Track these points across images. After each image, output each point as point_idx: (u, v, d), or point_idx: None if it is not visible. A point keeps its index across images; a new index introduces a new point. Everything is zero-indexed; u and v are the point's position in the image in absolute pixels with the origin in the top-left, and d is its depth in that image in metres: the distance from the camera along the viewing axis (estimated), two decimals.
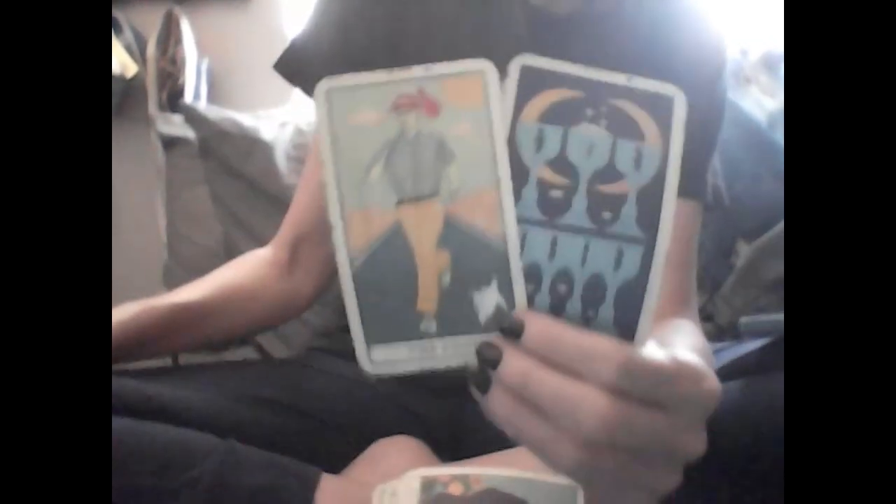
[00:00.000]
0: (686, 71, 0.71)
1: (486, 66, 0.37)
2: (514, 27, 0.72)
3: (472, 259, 0.37)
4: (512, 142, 0.37)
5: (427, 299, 0.37)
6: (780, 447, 0.40)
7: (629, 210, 0.37)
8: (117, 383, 0.55)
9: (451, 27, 0.73)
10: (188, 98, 1.51)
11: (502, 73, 0.37)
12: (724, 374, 0.63)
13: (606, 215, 0.37)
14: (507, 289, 0.37)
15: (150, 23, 1.57)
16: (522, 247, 0.37)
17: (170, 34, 1.56)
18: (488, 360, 0.36)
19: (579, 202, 0.37)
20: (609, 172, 0.37)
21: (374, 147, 0.37)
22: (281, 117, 1.40)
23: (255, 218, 1.32)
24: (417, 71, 0.37)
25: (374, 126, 0.37)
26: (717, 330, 1.16)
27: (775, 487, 0.48)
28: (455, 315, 0.37)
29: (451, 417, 0.72)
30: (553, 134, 0.37)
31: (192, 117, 1.36)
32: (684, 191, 0.72)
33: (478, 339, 0.37)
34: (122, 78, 1.55)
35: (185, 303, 0.69)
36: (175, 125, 1.43)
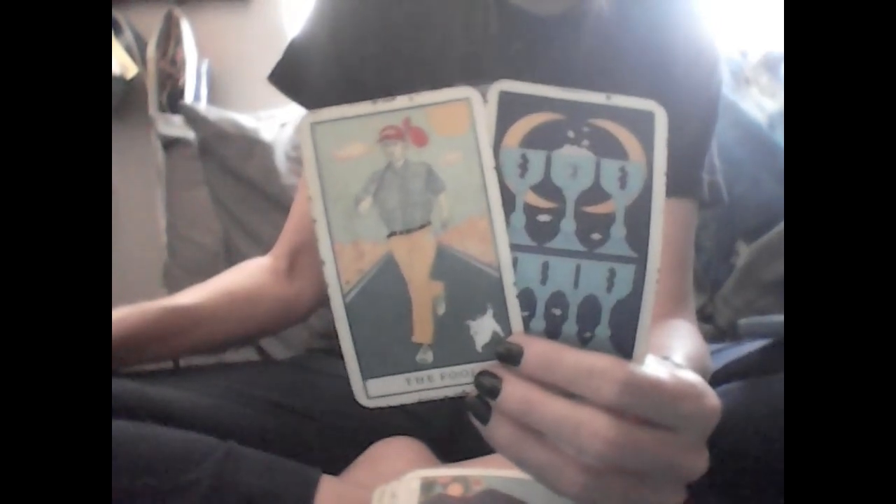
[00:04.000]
0: (680, 69, 0.71)
1: (471, 94, 0.36)
2: (507, 32, 0.72)
3: (466, 288, 0.37)
4: (496, 168, 0.36)
5: (422, 330, 0.37)
6: (780, 449, 0.40)
7: (618, 229, 0.37)
8: (117, 385, 0.55)
9: (441, 30, 0.72)
10: (188, 99, 1.51)
11: (493, 80, 0.37)
12: (724, 375, 0.64)
13: (595, 236, 0.37)
14: (502, 316, 0.37)
15: (150, 24, 1.57)
16: (514, 273, 0.37)
17: (170, 35, 1.56)
18: (487, 389, 0.36)
19: (567, 225, 0.37)
20: (595, 193, 0.37)
21: (362, 180, 0.37)
22: (281, 118, 1.40)
23: (255, 218, 1.32)
24: (402, 101, 0.36)
25: (361, 158, 0.36)
26: (717, 331, 1.16)
27: (775, 489, 0.48)
28: (451, 345, 0.37)
29: (451, 417, 0.72)
30: (536, 158, 0.36)
31: (193, 118, 1.36)
32: (678, 190, 0.72)
33: (476, 367, 0.37)
34: (122, 79, 1.55)
35: (184, 306, 0.68)
36: (175, 126, 1.43)
